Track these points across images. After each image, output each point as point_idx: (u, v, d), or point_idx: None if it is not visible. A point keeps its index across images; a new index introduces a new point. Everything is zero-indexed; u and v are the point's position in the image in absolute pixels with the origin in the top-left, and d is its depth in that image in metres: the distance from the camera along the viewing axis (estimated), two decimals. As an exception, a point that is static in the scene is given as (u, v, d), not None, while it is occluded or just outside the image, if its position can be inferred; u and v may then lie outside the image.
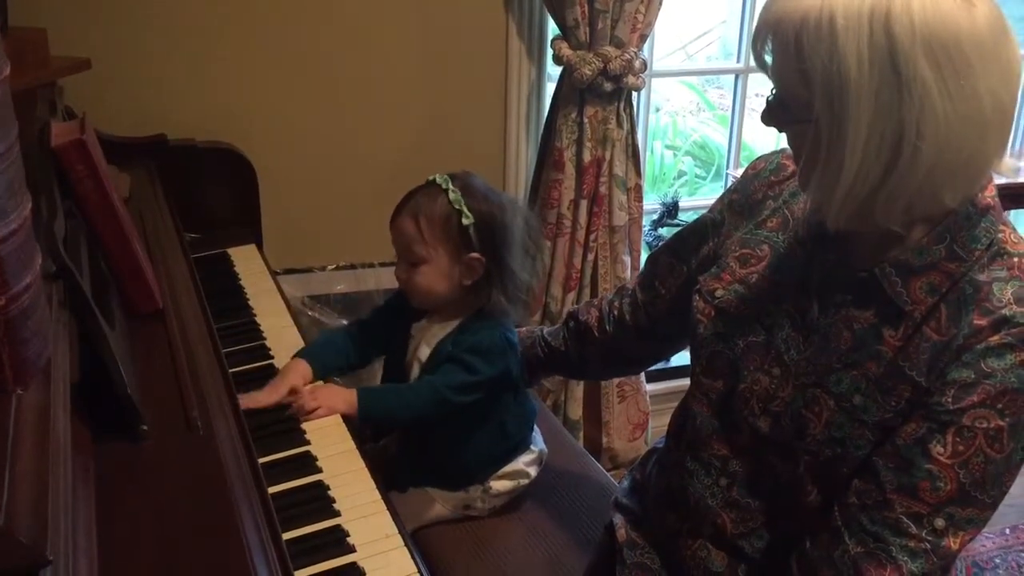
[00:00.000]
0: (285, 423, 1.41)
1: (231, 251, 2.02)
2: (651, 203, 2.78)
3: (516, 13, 2.30)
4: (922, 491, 1.04)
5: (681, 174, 4.39)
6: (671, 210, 2.80)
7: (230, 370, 1.39)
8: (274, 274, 1.96)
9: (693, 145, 4.50)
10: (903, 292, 1.06)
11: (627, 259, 2.47)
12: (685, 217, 2.79)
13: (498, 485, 1.56)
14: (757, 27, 1.03)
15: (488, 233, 1.44)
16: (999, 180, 2.84)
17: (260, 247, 2.10)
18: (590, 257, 2.43)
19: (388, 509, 1.28)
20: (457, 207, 1.42)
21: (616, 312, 1.52)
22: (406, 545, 1.22)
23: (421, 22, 2.26)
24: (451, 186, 1.44)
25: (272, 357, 1.60)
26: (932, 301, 1.05)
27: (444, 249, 1.44)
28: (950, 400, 1.02)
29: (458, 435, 1.51)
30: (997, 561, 2.43)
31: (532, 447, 1.61)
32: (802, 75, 0.97)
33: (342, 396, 1.45)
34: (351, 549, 1.19)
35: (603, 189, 2.37)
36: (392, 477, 1.50)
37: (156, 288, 1.38)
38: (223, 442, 1.11)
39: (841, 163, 0.97)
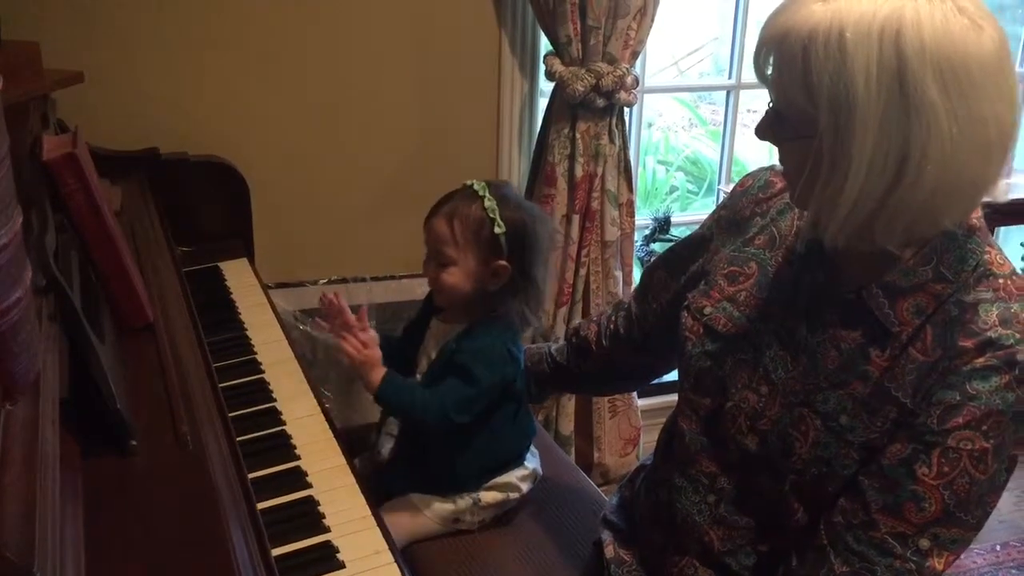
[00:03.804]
0: (275, 439, 1.41)
1: (223, 265, 2.02)
2: (643, 218, 2.78)
3: (509, 29, 2.31)
4: (907, 511, 1.04)
5: (673, 189, 4.40)
6: (663, 225, 2.81)
7: (220, 384, 1.39)
8: (266, 288, 1.96)
9: (685, 160, 4.51)
10: (890, 313, 1.06)
11: (619, 274, 2.48)
12: (677, 232, 2.80)
13: (487, 497, 1.56)
14: (761, 39, 1.02)
15: (518, 243, 1.48)
16: (1013, 196, 2.81)
17: (252, 261, 2.10)
18: (582, 272, 2.44)
19: (378, 525, 1.27)
20: (491, 215, 1.46)
21: (612, 326, 1.53)
22: (396, 561, 1.21)
23: (414, 37, 2.26)
24: (488, 194, 1.48)
25: (263, 371, 1.60)
26: (918, 322, 1.05)
27: (473, 253, 1.47)
28: (935, 421, 1.02)
29: (454, 439, 1.53)
30: (988, 578, 2.43)
31: (527, 464, 1.61)
32: (807, 89, 0.96)
33: (375, 371, 1.47)
34: (341, 565, 1.19)
35: (595, 204, 2.38)
36: (384, 483, 1.51)
37: (147, 302, 1.38)
38: (213, 457, 1.11)
39: (844, 180, 0.96)
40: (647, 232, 2.82)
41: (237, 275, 1.98)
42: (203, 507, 1.00)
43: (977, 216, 1.07)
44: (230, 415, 1.33)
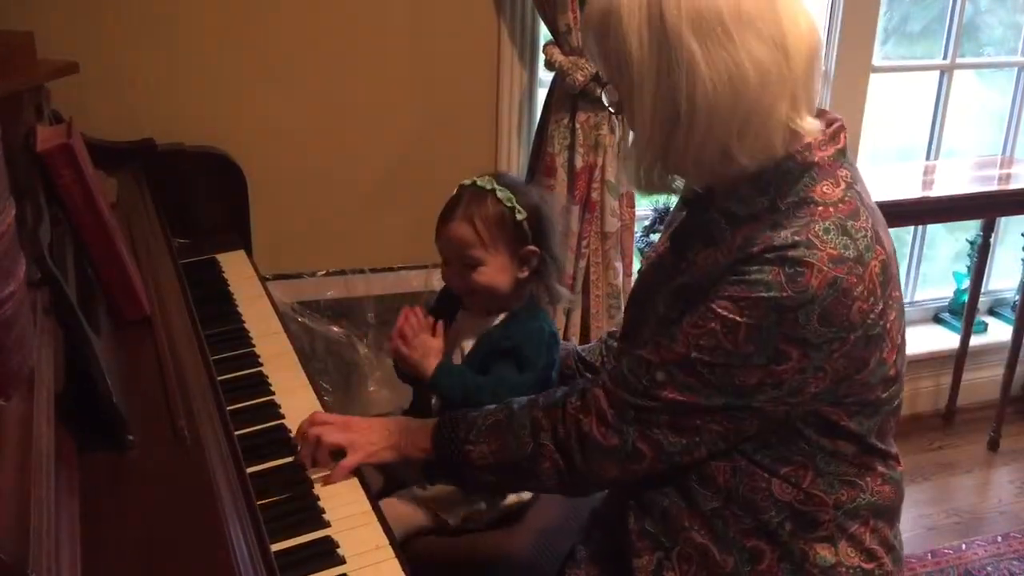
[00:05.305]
0: (274, 432, 1.40)
1: (220, 257, 2.01)
2: (643, 209, 2.77)
3: (508, 18, 2.30)
4: (657, 345, 1.18)
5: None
6: (663, 216, 2.80)
7: (218, 377, 1.38)
8: (263, 280, 1.95)
9: (684, 151, 4.50)
10: (728, 237, 1.17)
11: (619, 265, 2.47)
12: (677, 223, 2.78)
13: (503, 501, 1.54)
14: (581, 26, 1.15)
15: (538, 224, 1.50)
16: (1014, 186, 2.78)
17: (249, 252, 2.08)
18: (582, 263, 2.42)
19: (379, 520, 1.26)
20: (509, 204, 1.47)
21: None
22: (397, 556, 1.20)
23: (412, 27, 2.25)
24: (496, 185, 1.48)
25: (261, 364, 1.58)
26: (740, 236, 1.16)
27: (504, 247, 1.47)
28: (711, 290, 1.14)
29: None
30: (989, 569, 2.42)
31: None
32: (605, 60, 1.16)
33: (428, 363, 1.48)
34: (341, 560, 1.17)
35: (595, 195, 2.36)
36: (394, 471, 1.51)
37: (143, 295, 1.36)
38: (211, 451, 1.09)
39: (637, 130, 1.16)
40: (647, 223, 2.81)
41: (235, 267, 1.97)
42: (201, 502, 0.99)
43: (826, 155, 1.16)
44: (228, 408, 1.32)
